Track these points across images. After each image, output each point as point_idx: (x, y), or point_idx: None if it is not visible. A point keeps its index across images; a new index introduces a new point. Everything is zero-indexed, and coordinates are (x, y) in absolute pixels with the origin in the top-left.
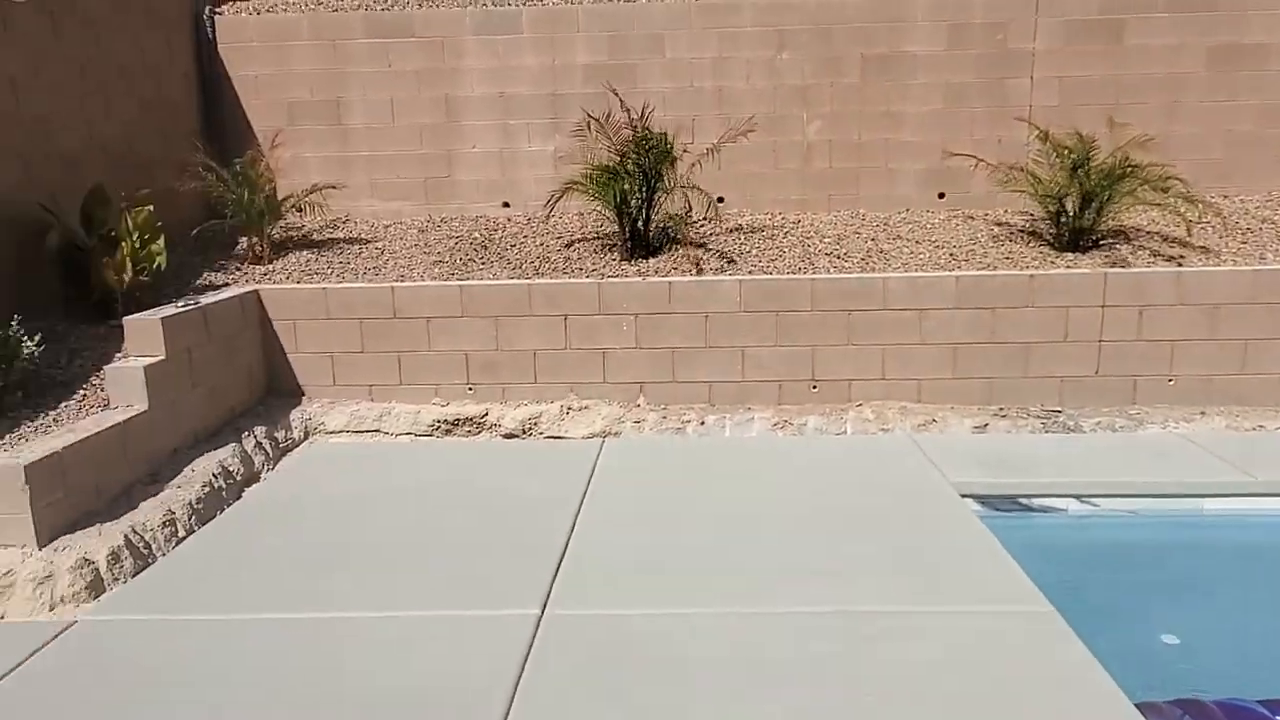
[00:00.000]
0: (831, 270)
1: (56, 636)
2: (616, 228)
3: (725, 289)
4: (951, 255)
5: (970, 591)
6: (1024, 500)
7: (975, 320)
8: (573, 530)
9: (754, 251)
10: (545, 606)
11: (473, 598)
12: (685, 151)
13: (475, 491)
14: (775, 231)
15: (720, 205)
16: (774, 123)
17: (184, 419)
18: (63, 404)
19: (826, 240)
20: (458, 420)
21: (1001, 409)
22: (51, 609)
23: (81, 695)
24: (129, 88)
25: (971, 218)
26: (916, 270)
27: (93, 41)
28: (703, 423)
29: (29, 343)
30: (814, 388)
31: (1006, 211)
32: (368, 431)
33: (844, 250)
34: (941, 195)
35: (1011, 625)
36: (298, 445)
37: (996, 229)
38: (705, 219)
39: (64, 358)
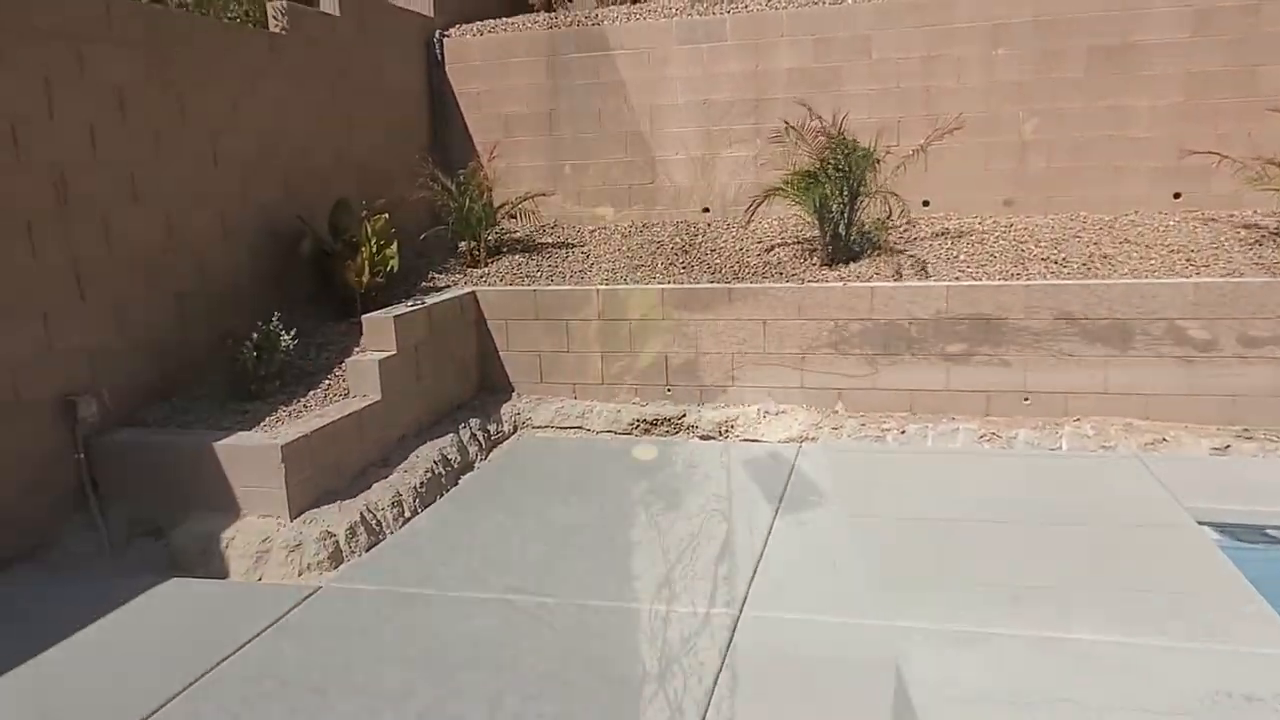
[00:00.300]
0: (1048, 276)
1: (306, 599)
2: (816, 232)
3: (930, 294)
4: (1189, 261)
5: (1213, 628)
6: (1274, 532)
7: (1215, 331)
8: (769, 533)
9: (961, 256)
10: (742, 607)
11: (675, 594)
12: (888, 154)
13: (673, 490)
14: (985, 235)
15: (925, 208)
16: (985, 122)
17: (410, 410)
18: (310, 392)
19: (1042, 245)
20: (656, 420)
21: (1247, 429)
22: (300, 574)
23: (329, 651)
24: (371, 108)
25: (1213, 220)
26: (1146, 276)
27: (343, 66)
28: (903, 431)
29: (285, 337)
30: (1025, 400)
31: (1255, 213)
32: (570, 428)
33: (1062, 255)
34: (1177, 195)
35: (1263, 670)
36: (507, 438)
37: (1244, 232)
38: (908, 223)
39: (312, 350)
